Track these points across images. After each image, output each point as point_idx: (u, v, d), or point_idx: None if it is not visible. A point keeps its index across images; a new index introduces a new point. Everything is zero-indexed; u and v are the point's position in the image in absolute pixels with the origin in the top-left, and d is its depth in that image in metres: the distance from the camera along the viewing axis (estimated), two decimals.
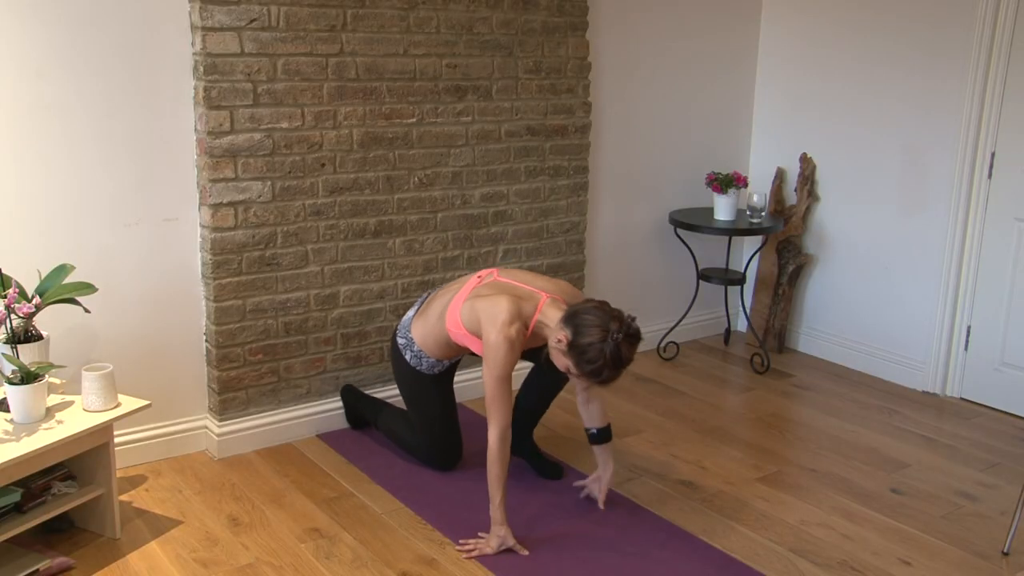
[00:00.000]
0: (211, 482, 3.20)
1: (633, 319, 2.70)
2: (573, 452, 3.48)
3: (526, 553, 2.80)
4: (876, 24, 4.23)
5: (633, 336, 2.67)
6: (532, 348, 3.02)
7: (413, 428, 3.31)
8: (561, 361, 2.74)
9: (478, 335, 2.88)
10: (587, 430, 3.07)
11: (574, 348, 2.67)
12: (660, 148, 4.52)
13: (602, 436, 3.05)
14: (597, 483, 3.09)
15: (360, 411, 3.55)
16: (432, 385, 3.20)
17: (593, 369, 2.66)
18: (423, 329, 3.10)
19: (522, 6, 3.74)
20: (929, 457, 3.57)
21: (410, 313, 3.21)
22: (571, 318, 2.70)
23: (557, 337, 2.71)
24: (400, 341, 3.18)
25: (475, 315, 2.87)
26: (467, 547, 2.81)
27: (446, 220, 3.74)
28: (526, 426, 3.30)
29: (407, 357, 3.16)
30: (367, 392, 3.64)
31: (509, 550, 2.79)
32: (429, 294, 3.24)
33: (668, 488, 3.25)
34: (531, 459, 3.32)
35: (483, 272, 3.06)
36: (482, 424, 3.65)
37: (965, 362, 4.12)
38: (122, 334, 3.19)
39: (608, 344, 2.62)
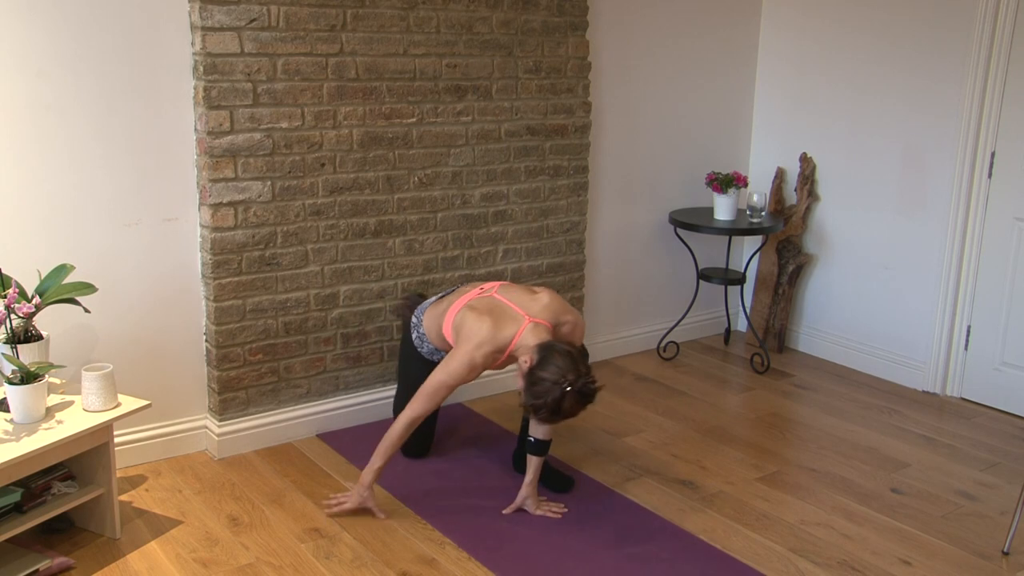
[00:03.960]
0: (211, 482, 3.20)
1: (594, 382, 2.74)
2: (583, 458, 3.48)
3: (383, 516, 2.92)
4: (876, 24, 4.23)
5: (584, 395, 2.73)
6: None
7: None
8: (519, 381, 2.82)
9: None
10: (528, 436, 3.03)
11: (530, 375, 2.76)
12: (660, 148, 4.51)
13: (537, 448, 3.01)
14: (533, 502, 3.02)
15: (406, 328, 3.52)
16: (425, 367, 3.24)
17: (533, 403, 2.75)
18: (431, 319, 3.22)
19: (522, 6, 3.73)
20: (929, 457, 3.57)
21: (432, 299, 3.32)
22: (544, 348, 2.79)
23: (524, 358, 2.81)
24: (412, 320, 3.32)
25: (460, 325, 2.98)
26: (331, 503, 2.95)
27: (446, 220, 3.74)
28: None
29: (413, 336, 3.30)
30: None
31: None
32: (455, 288, 3.30)
33: (668, 488, 3.25)
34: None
35: (487, 285, 3.13)
36: (477, 421, 3.66)
37: (965, 362, 4.12)
38: (122, 334, 3.19)
39: (556, 389, 2.70)
